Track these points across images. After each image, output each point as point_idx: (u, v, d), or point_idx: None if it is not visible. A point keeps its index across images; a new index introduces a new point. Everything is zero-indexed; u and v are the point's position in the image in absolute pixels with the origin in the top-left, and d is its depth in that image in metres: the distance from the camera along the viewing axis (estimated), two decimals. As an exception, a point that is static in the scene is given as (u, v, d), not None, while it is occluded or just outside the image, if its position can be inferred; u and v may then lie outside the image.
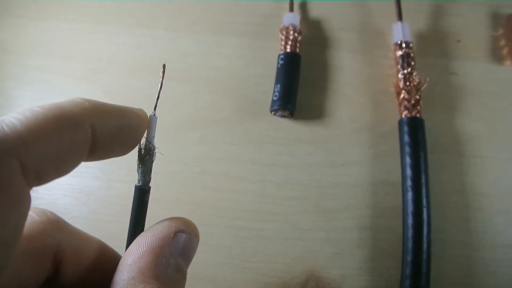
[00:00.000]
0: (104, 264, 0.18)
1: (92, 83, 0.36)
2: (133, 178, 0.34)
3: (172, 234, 0.16)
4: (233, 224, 0.31)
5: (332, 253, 0.30)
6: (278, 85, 0.34)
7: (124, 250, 0.16)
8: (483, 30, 0.38)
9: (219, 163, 0.33)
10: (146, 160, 0.17)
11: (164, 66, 0.18)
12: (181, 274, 0.16)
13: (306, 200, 0.32)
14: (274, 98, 0.34)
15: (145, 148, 0.17)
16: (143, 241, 0.16)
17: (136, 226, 0.17)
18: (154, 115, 0.17)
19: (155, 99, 0.18)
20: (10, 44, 0.38)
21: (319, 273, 0.30)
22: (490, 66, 0.36)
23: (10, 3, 0.40)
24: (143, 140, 0.17)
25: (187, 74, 0.36)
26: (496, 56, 0.37)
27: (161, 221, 0.17)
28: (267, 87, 0.35)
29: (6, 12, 0.40)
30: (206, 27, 0.38)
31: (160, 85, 0.18)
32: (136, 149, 0.17)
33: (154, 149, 0.17)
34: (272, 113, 0.34)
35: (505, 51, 0.37)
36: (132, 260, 0.15)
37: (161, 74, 0.18)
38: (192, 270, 0.30)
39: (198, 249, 0.30)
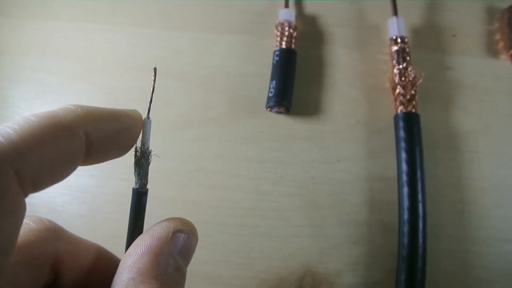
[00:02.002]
0: (103, 268, 0.18)
1: (88, 82, 0.36)
2: (130, 176, 0.34)
3: (170, 234, 0.16)
4: (229, 221, 0.31)
5: (328, 248, 0.31)
6: (274, 82, 0.34)
7: (124, 250, 0.17)
8: (479, 24, 0.38)
9: (215, 160, 0.33)
10: (142, 163, 0.17)
11: (155, 69, 0.18)
12: (181, 273, 0.16)
13: (301, 196, 0.32)
14: (270, 95, 0.34)
15: (140, 152, 0.17)
16: (142, 242, 0.16)
17: (135, 228, 0.17)
18: (149, 118, 0.17)
19: (148, 103, 0.18)
20: (5, 44, 0.38)
21: (316, 269, 0.30)
22: (486, 61, 0.36)
23: (4, 3, 0.40)
24: (138, 143, 0.17)
25: (181, 72, 0.36)
26: (492, 51, 0.37)
27: (159, 222, 0.17)
28: (263, 83, 0.35)
29: (1, 12, 0.39)
30: (201, 25, 0.38)
31: (152, 88, 0.18)
32: (132, 151, 0.17)
33: (150, 152, 0.17)
34: (268, 109, 0.34)
35: (500, 45, 0.37)
36: (131, 261, 0.15)
37: (152, 77, 0.18)
38: (189, 267, 0.30)
39: (194, 246, 0.31)
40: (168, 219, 0.17)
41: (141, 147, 0.17)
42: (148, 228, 0.17)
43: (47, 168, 0.13)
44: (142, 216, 0.17)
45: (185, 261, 0.17)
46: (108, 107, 0.16)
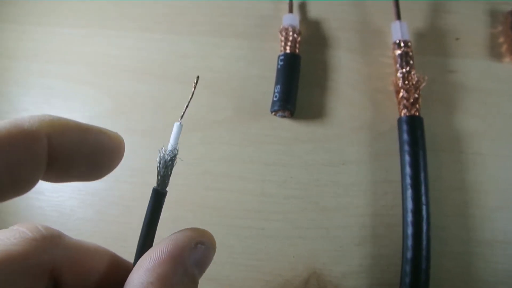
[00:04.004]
0: (113, 274, 0.18)
1: (95, 86, 0.37)
2: (138, 179, 0.34)
3: (193, 245, 0.16)
4: (234, 223, 0.32)
5: (332, 251, 0.31)
6: (278, 86, 0.34)
7: (135, 251, 0.17)
8: (482, 27, 0.38)
9: (220, 163, 0.34)
10: (169, 165, 0.17)
11: (198, 77, 0.19)
12: (194, 283, 0.16)
13: (306, 199, 0.32)
14: (274, 99, 0.34)
15: (169, 154, 0.17)
16: (165, 247, 0.16)
17: (150, 228, 0.17)
18: (180, 123, 0.18)
19: (184, 108, 0.18)
20: (13, 49, 0.39)
21: (320, 271, 0.30)
22: (489, 64, 0.37)
23: (11, 9, 0.40)
24: (169, 146, 0.18)
25: (187, 76, 0.37)
26: (495, 54, 0.37)
27: (182, 230, 0.17)
28: (267, 87, 0.36)
29: (8, 18, 0.40)
30: (206, 29, 0.39)
31: (191, 94, 0.19)
32: (159, 153, 0.18)
33: (175, 154, 0.18)
34: (273, 113, 0.35)
35: (503, 48, 0.37)
36: (152, 264, 0.15)
37: (193, 84, 0.19)
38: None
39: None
40: (191, 229, 0.17)
41: (170, 149, 0.18)
42: (170, 234, 0.17)
43: (5, 173, 0.13)
44: (158, 216, 0.18)
45: (200, 273, 0.17)
46: (82, 122, 0.15)
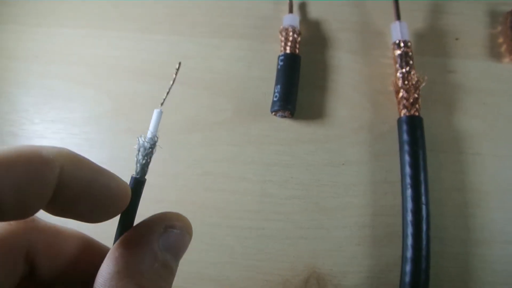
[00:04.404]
0: (87, 258, 0.17)
1: (96, 88, 0.37)
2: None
3: (162, 229, 0.16)
4: (235, 223, 0.32)
5: (333, 250, 0.31)
6: (278, 86, 0.34)
7: (113, 240, 0.16)
8: (481, 28, 0.38)
9: (221, 164, 0.34)
10: (148, 153, 0.17)
11: (179, 64, 0.19)
12: (168, 270, 0.16)
13: (306, 199, 0.32)
14: (275, 99, 0.34)
15: (149, 141, 0.17)
16: (132, 234, 0.16)
17: (128, 216, 0.17)
18: (160, 110, 0.18)
19: (165, 94, 0.18)
20: (14, 50, 0.39)
21: (320, 271, 0.30)
22: (489, 64, 0.37)
23: (12, 10, 0.41)
24: (149, 134, 0.17)
25: (188, 77, 0.37)
26: (495, 54, 0.37)
27: (152, 215, 0.16)
28: (267, 88, 0.36)
29: (9, 18, 0.40)
30: (206, 30, 0.39)
31: (172, 81, 0.18)
32: (137, 141, 0.17)
33: (155, 142, 0.17)
34: (273, 113, 0.35)
35: (503, 48, 0.37)
36: (119, 253, 0.15)
37: (175, 70, 0.19)
38: (196, 269, 0.31)
39: (201, 248, 0.31)
40: (163, 213, 0.17)
41: (150, 137, 0.17)
42: (141, 221, 0.16)
43: (13, 190, 0.13)
44: (137, 205, 0.17)
45: (174, 258, 0.16)
46: (97, 164, 0.15)
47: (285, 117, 0.35)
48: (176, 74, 0.18)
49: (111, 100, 0.36)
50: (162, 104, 0.18)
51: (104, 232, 0.18)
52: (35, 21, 0.40)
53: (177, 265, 0.16)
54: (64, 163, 0.14)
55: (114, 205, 0.16)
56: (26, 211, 0.14)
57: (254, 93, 0.36)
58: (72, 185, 0.14)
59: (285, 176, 0.33)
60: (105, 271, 0.15)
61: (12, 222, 0.16)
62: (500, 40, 0.37)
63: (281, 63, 0.35)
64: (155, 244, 0.15)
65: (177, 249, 0.16)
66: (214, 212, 0.32)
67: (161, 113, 0.18)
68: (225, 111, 0.35)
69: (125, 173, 0.34)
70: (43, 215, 0.16)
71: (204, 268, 0.31)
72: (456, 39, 0.38)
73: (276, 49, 0.37)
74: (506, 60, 0.37)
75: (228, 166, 0.34)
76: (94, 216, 0.16)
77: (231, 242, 0.31)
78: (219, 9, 0.40)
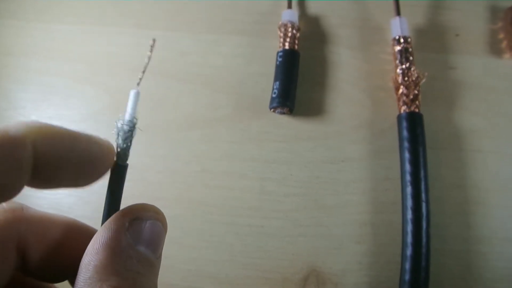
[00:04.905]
0: (80, 243, 0.17)
1: (94, 84, 0.37)
2: (134, 177, 0.34)
3: (127, 224, 0.15)
4: (234, 221, 0.32)
5: (332, 248, 0.31)
6: (277, 82, 0.34)
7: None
8: (482, 23, 0.38)
9: (220, 161, 0.33)
10: (128, 136, 0.16)
11: (154, 40, 0.17)
12: (146, 264, 0.15)
13: (306, 197, 0.32)
14: (273, 95, 0.34)
15: (128, 124, 0.16)
16: (97, 236, 0.15)
17: (111, 206, 0.16)
18: (137, 90, 0.17)
19: (141, 73, 0.17)
20: (11, 46, 0.39)
21: (320, 269, 0.30)
22: (489, 60, 0.36)
23: (10, 5, 0.40)
24: (127, 116, 0.16)
25: (186, 73, 0.37)
26: (495, 50, 0.37)
27: (117, 211, 0.16)
28: (266, 84, 0.35)
29: (7, 14, 0.40)
30: (205, 26, 0.39)
31: (148, 59, 0.17)
32: (116, 125, 0.16)
33: (135, 125, 0.16)
34: (272, 110, 0.34)
35: (504, 44, 0.37)
36: (88, 258, 0.14)
37: (150, 47, 0.17)
38: (194, 266, 0.31)
39: (200, 246, 0.31)
40: (127, 207, 0.16)
41: (129, 119, 0.16)
42: (107, 219, 0.16)
43: None
44: (120, 193, 0.16)
45: (151, 250, 0.15)
46: (72, 129, 0.15)
47: (284, 113, 0.35)
48: (151, 52, 0.17)
49: (110, 97, 0.36)
50: (138, 84, 0.17)
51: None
52: (34, 17, 0.40)
53: (157, 257, 0.16)
54: (36, 138, 0.14)
55: (100, 166, 0.16)
56: (7, 194, 0.13)
57: (253, 89, 0.36)
58: (49, 158, 0.14)
59: (284, 173, 0.33)
60: (78, 278, 0.14)
61: None
62: (501, 36, 0.37)
63: (280, 59, 0.35)
64: (124, 240, 0.15)
65: (151, 240, 0.15)
66: (213, 210, 0.32)
67: (138, 93, 0.17)
68: (224, 108, 0.35)
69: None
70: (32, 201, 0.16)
71: (203, 265, 0.31)
72: (457, 35, 0.37)
73: (275, 45, 0.37)
74: (507, 56, 0.36)
75: (227, 163, 0.33)
76: (80, 181, 0.16)
77: (230, 240, 0.31)
78: (218, 5, 0.39)
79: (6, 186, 0.13)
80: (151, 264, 0.15)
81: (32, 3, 0.40)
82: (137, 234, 0.15)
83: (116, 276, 0.14)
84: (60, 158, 0.14)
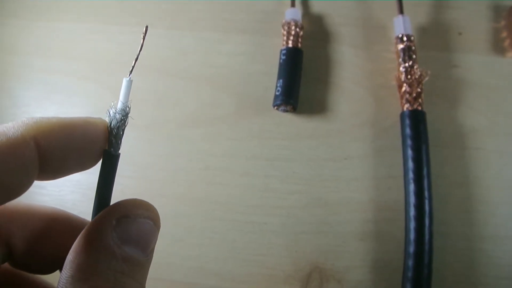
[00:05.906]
0: (66, 233, 0.17)
1: (96, 82, 0.37)
2: (139, 174, 0.34)
3: (114, 222, 0.14)
4: (237, 218, 0.32)
5: (335, 245, 0.31)
6: (281, 80, 0.34)
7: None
8: (485, 22, 0.38)
9: (223, 158, 0.34)
10: (120, 125, 0.16)
11: (147, 27, 0.17)
12: (132, 264, 0.14)
13: (309, 194, 0.32)
14: (277, 93, 0.34)
15: (121, 112, 0.16)
16: (82, 234, 0.14)
17: (103, 196, 0.16)
18: (130, 79, 0.16)
19: (133, 61, 0.17)
20: (14, 45, 0.39)
21: (323, 266, 0.30)
22: (492, 58, 0.36)
23: (12, 4, 0.40)
24: (119, 104, 0.16)
25: (189, 71, 0.37)
26: (498, 48, 0.37)
27: (106, 207, 0.15)
28: (270, 82, 0.35)
29: (9, 13, 0.40)
30: (207, 24, 0.39)
31: (140, 46, 0.17)
32: (108, 113, 0.16)
33: (127, 114, 0.16)
34: (275, 108, 0.35)
35: (506, 43, 0.37)
36: (72, 256, 0.14)
37: (142, 35, 0.17)
38: (197, 264, 0.31)
39: (203, 243, 0.31)
40: (117, 203, 0.15)
41: (120, 108, 0.16)
42: (96, 216, 0.15)
43: None
44: (111, 182, 0.16)
45: (139, 249, 0.15)
46: (67, 117, 0.15)
47: (287, 111, 0.35)
48: (143, 39, 0.17)
49: (112, 94, 0.36)
50: (130, 72, 0.17)
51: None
52: (36, 16, 0.40)
53: (146, 256, 0.15)
54: (36, 134, 0.14)
55: (100, 144, 0.16)
56: (17, 192, 0.14)
57: (256, 88, 0.36)
58: (53, 150, 0.14)
59: (287, 171, 0.33)
60: (61, 276, 0.14)
61: None
62: (504, 34, 0.37)
63: (283, 57, 0.35)
64: (109, 239, 0.14)
65: (140, 239, 0.15)
66: (216, 207, 0.32)
67: (130, 81, 0.17)
68: (227, 106, 0.35)
69: (127, 167, 0.34)
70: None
71: (206, 262, 0.31)
72: (459, 33, 0.37)
73: (278, 43, 0.37)
74: (510, 54, 0.36)
75: (230, 160, 0.33)
76: (87, 162, 0.16)
77: (233, 237, 0.31)
78: (221, 3, 0.39)
79: (14, 186, 0.13)
80: (138, 264, 0.15)
81: (35, 2, 0.40)
82: (124, 233, 0.14)
83: (98, 276, 0.13)
84: (63, 147, 0.14)
